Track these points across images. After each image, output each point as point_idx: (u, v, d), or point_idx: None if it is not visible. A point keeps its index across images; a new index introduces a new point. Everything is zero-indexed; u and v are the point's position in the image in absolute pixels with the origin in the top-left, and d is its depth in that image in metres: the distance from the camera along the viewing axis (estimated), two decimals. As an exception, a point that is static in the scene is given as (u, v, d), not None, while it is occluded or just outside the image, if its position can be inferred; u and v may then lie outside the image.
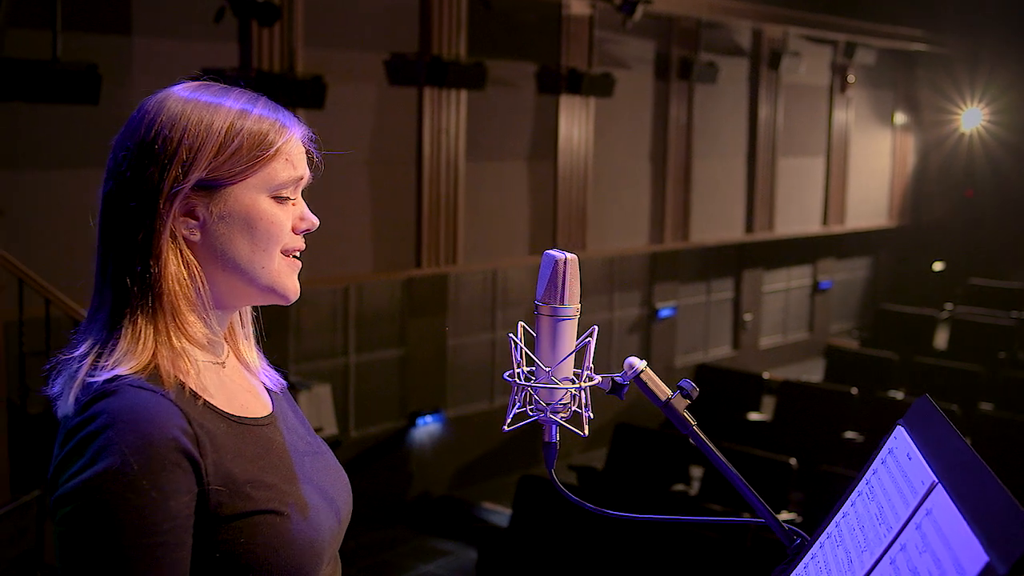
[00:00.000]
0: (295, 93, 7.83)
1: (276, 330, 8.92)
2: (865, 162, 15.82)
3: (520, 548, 6.97)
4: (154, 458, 1.36)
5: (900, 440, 1.43)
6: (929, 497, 1.25)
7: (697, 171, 12.48)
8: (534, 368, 1.62)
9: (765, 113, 13.49)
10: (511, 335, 1.60)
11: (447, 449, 10.61)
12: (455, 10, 9.25)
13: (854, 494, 1.48)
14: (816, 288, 15.95)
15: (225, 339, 1.61)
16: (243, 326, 1.66)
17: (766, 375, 10.65)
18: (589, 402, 1.62)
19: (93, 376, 1.43)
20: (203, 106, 1.50)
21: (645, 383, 1.63)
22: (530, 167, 10.50)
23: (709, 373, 10.51)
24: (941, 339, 13.21)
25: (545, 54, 10.35)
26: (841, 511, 1.48)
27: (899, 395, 9.90)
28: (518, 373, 1.61)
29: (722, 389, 9.92)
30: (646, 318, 12.83)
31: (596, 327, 1.64)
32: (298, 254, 1.58)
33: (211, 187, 1.49)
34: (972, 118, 16.52)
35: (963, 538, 1.12)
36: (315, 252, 8.64)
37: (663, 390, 1.64)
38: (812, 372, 13.65)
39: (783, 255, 15.02)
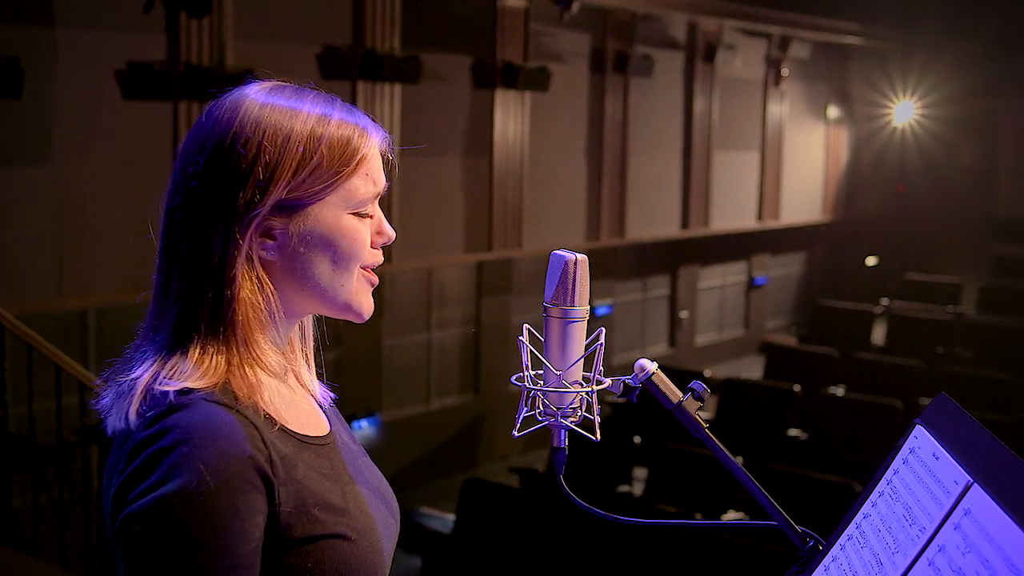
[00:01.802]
0: (226, 87, 7.70)
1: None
2: (799, 156, 16.05)
3: (466, 554, 6.96)
4: (231, 477, 1.31)
5: (922, 439, 1.45)
6: (966, 497, 1.27)
7: (633, 167, 12.56)
8: (541, 372, 1.62)
9: (700, 107, 13.62)
10: (520, 338, 1.60)
11: (383, 453, 10.56)
12: (389, 2, 9.21)
13: (874, 495, 1.50)
14: (751, 284, 16.15)
15: (284, 353, 1.56)
16: (303, 340, 1.62)
17: (707, 373, 10.76)
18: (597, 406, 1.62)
19: (160, 386, 1.37)
20: (280, 113, 1.45)
21: (656, 385, 1.64)
22: (465, 163, 10.49)
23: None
24: (878, 334, 13.45)
25: (480, 47, 10.35)
26: (861, 512, 1.50)
27: (839, 391, 10.06)
28: (527, 377, 1.61)
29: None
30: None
31: (603, 329, 1.64)
32: (375, 268, 1.55)
33: (289, 208, 1.45)
34: (904, 112, 16.84)
35: (1013, 537, 1.14)
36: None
37: (674, 392, 1.65)
38: (749, 369, 13.82)
39: (718, 251, 15.19)
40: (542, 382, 1.61)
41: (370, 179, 1.50)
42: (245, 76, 6.00)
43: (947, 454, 1.37)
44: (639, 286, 13.91)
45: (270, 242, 1.45)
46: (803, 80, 15.92)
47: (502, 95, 10.56)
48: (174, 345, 1.41)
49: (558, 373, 1.58)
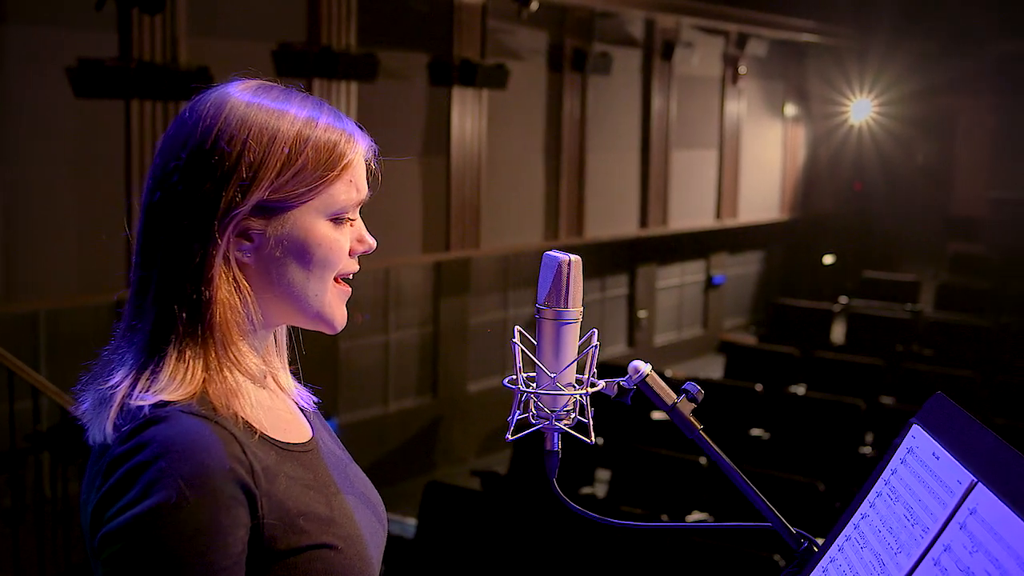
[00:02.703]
0: (179, 85, 7.67)
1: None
2: (757, 155, 16.16)
3: (430, 559, 6.95)
4: (211, 491, 1.30)
5: (920, 439, 1.47)
6: (970, 496, 1.28)
7: (591, 165, 12.60)
8: (534, 374, 1.62)
9: (658, 105, 13.68)
10: (514, 340, 1.60)
11: (340, 457, 10.52)
12: (345, -2, 9.18)
13: (871, 495, 1.51)
14: (709, 283, 16.25)
15: (263, 357, 1.55)
16: (278, 344, 1.61)
17: (668, 372, 10.82)
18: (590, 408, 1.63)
19: (135, 400, 1.36)
20: (266, 113, 1.44)
21: (651, 387, 1.65)
22: (422, 162, 10.47)
23: (610, 372, 10.59)
24: (837, 333, 13.58)
25: (437, 45, 10.34)
26: (859, 512, 1.52)
27: (800, 390, 10.14)
28: (519, 379, 1.61)
29: (624, 388, 10.02)
30: (541, 317, 12.89)
31: (595, 330, 1.65)
32: (350, 277, 1.54)
33: (270, 210, 1.43)
34: (861, 110, 17.01)
35: (1022, 535, 1.16)
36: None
37: (668, 394, 1.66)
38: (708, 369, 13.90)
39: (677, 250, 15.26)
40: (534, 384, 1.62)
41: (353, 186, 1.50)
42: (200, 73, 5.92)
43: (947, 453, 1.38)
44: (597, 286, 13.95)
45: (247, 243, 1.44)
46: (760, 78, 16.04)
47: (459, 93, 10.55)
48: (152, 348, 1.40)
49: (552, 376, 1.59)
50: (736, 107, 15.39)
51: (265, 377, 1.51)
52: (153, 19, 7.67)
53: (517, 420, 1.62)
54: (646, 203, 13.72)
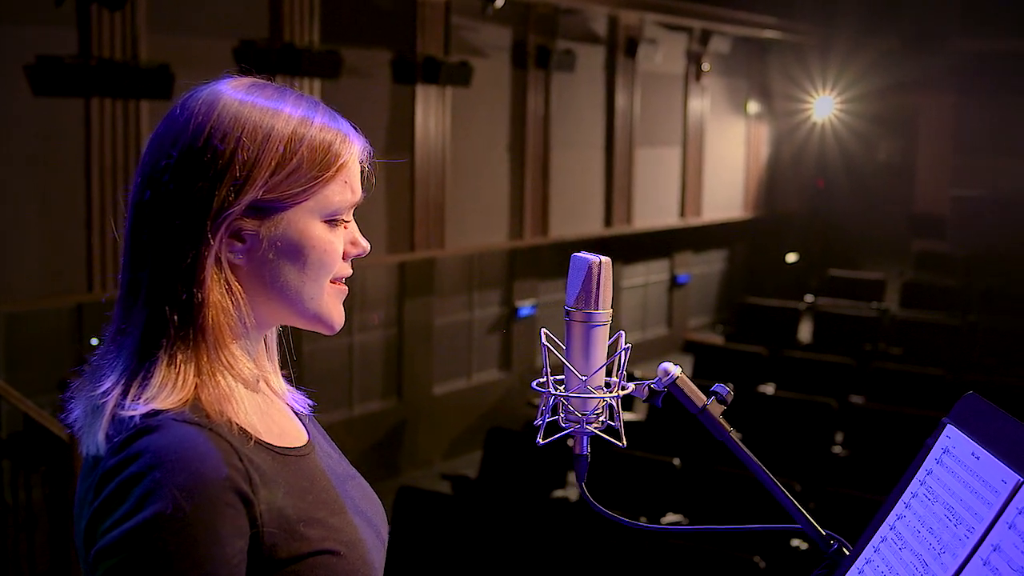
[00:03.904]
0: (140, 83, 7.62)
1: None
2: (720, 152, 16.26)
3: (401, 562, 6.94)
4: (207, 500, 1.28)
5: (956, 439, 1.49)
6: (1018, 495, 1.31)
7: (555, 163, 12.62)
8: (562, 377, 1.63)
9: (622, 102, 13.73)
10: (544, 343, 1.61)
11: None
12: (308, -6, 9.15)
13: (906, 495, 1.53)
14: (674, 282, 16.33)
15: (256, 361, 1.53)
16: (268, 347, 1.59)
17: (637, 373, 10.85)
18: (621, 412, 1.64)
19: (126, 410, 1.34)
20: (260, 111, 1.43)
21: (681, 389, 1.66)
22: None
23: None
24: (804, 332, 13.69)
25: (400, 42, 10.32)
26: (894, 513, 1.54)
27: (769, 390, 10.22)
28: (548, 382, 1.62)
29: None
30: (506, 317, 12.92)
31: (623, 332, 1.66)
32: (345, 280, 1.54)
33: (263, 210, 1.42)
34: (824, 107, 17.16)
35: (1079, 535, 1.18)
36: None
37: (699, 396, 1.67)
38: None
39: (641, 249, 15.33)
40: (562, 387, 1.63)
41: (348, 187, 1.49)
42: (161, 71, 5.87)
43: (988, 453, 1.40)
44: (563, 286, 13.96)
45: (239, 244, 1.43)
46: (724, 75, 16.14)
47: (423, 91, 10.54)
48: (142, 352, 1.38)
49: (583, 378, 1.59)
50: (699, 104, 15.48)
51: (258, 381, 1.50)
52: (113, 15, 7.60)
53: (544, 423, 1.62)
54: (610, 202, 13.77)
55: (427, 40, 10.50)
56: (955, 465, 1.46)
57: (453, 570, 6.84)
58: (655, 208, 14.82)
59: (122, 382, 1.37)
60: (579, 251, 1.61)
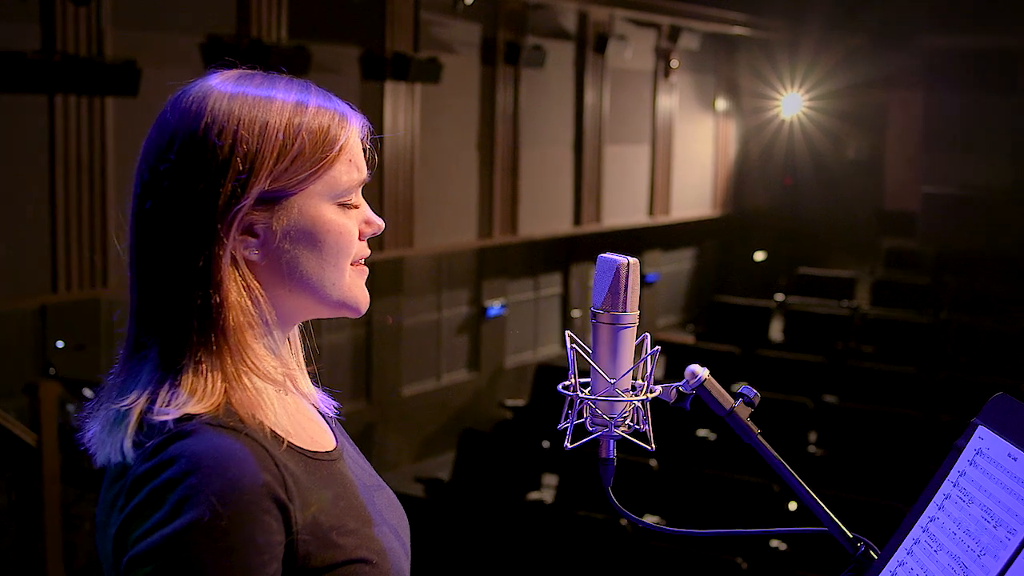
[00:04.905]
0: (106, 79, 7.55)
1: (90, 341, 8.59)
2: (689, 150, 16.31)
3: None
4: (245, 507, 1.26)
5: (989, 440, 1.50)
6: (1062, 497, 1.32)
7: (524, 161, 12.62)
8: (587, 380, 1.63)
9: (591, 99, 13.75)
10: (572, 345, 1.61)
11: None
12: (275, -11, 9.10)
13: (938, 497, 1.54)
14: (643, 281, 16.33)
15: (281, 359, 1.50)
16: (293, 345, 1.56)
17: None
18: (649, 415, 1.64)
19: (157, 414, 1.31)
20: (253, 102, 1.41)
21: (709, 392, 1.66)
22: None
23: (550, 374, 10.65)
24: (775, 330, 13.76)
25: (369, 38, 10.30)
26: (925, 515, 1.54)
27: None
28: (574, 385, 1.62)
29: (565, 390, 10.07)
30: (475, 317, 12.92)
31: (648, 335, 1.66)
32: (364, 260, 1.52)
33: (271, 199, 1.40)
34: (792, 104, 17.25)
35: None
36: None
37: (726, 399, 1.67)
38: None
39: (610, 248, 15.17)
40: (587, 390, 1.63)
41: (353, 166, 1.49)
42: (127, 67, 5.83)
43: (1025, 455, 1.42)
44: (531, 285, 13.99)
45: (252, 239, 1.41)
46: (692, 72, 16.19)
47: (392, 87, 10.52)
48: (166, 364, 1.36)
49: (612, 381, 1.59)
50: (668, 101, 15.52)
51: (285, 381, 1.48)
52: (78, 10, 7.54)
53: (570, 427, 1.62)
54: (580, 200, 13.78)
55: (396, 36, 10.47)
56: (990, 466, 1.47)
57: (427, 572, 6.83)
58: (624, 206, 14.84)
59: (147, 391, 1.35)
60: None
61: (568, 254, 14.48)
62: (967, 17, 16.22)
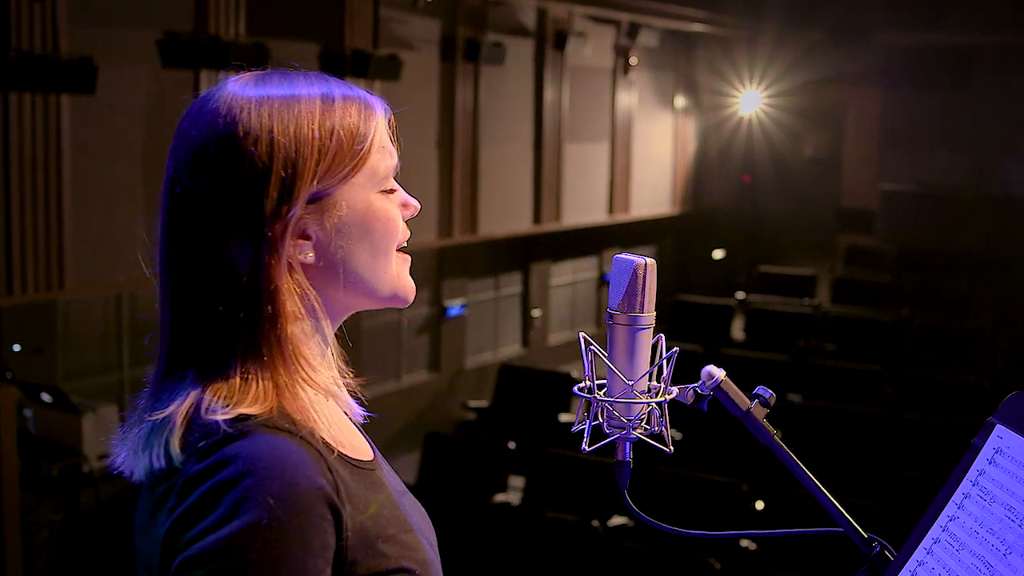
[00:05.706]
0: (61, 76, 7.47)
1: (47, 343, 8.51)
2: (648, 148, 16.36)
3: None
4: (302, 511, 1.25)
5: (1009, 439, 1.52)
6: (1089, 495, 1.34)
7: (484, 159, 12.62)
8: (603, 382, 1.64)
9: (551, 97, 13.76)
10: (590, 347, 1.61)
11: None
12: (234, -15, 9.04)
13: (957, 496, 1.56)
14: (602, 280, 16.41)
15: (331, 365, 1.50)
16: (332, 349, 1.54)
17: (575, 374, 10.90)
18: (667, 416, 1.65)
19: (208, 414, 1.30)
20: (281, 104, 1.39)
21: (726, 393, 1.67)
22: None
23: (512, 375, 10.66)
24: (736, 328, 13.84)
25: (329, 34, 10.26)
26: (944, 514, 1.56)
27: (708, 389, 10.31)
28: (591, 387, 1.63)
29: (529, 391, 10.10)
30: (435, 317, 12.90)
31: (663, 336, 1.67)
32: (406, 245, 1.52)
33: (319, 200, 1.40)
34: (750, 102, 17.36)
35: None
36: (88, 254, 8.17)
37: (743, 400, 1.69)
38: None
39: (570, 247, 15.39)
40: (603, 392, 1.63)
41: (387, 151, 1.48)
42: (83, 64, 5.79)
43: (1048, 453, 1.44)
44: (492, 284, 14.00)
45: (305, 242, 1.40)
46: (652, 69, 16.25)
47: (352, 84, 10.47)
48: (209, 375, 1.34)
49: (629, 383, 1.60)
50: (627, 99, 15.57)
51: (336, 390, 1.48)
52: (32, 6, 7.45)
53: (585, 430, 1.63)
54: (540, 198, 13.79)
55: (356, 32, 10.44)
56: (1011, 465, 1.49)
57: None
58: (584, 205, 14.87)
59: (189, 397, 1.34)
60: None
61: (528, 253, 14.49)
62: (925, 14, 16.41)
